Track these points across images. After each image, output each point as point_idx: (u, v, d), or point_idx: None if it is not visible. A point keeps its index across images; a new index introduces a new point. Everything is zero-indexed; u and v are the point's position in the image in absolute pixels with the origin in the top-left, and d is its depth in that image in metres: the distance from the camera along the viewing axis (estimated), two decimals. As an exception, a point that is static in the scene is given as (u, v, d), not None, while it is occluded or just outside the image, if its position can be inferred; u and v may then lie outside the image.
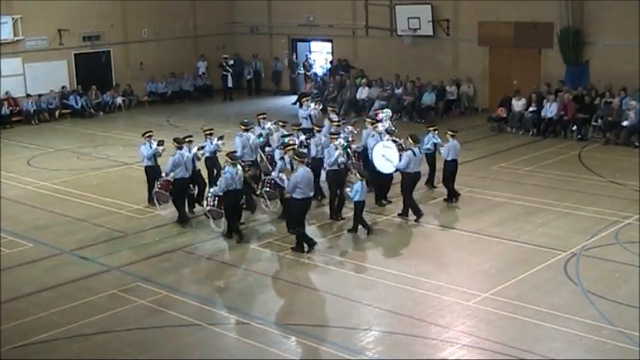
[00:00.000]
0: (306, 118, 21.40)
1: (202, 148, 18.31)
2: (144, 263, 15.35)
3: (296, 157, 15.87)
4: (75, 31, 32.06)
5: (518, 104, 26.51)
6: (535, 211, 17.76)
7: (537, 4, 27.53)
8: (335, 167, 17.37)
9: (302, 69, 35.37)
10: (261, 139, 19.22)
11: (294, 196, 15.48)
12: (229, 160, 16.15)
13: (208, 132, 18.94)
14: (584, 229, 16.38)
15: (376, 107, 26.33)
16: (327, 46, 35.22)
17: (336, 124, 19.23)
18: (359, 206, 16.54)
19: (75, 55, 32.36)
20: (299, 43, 36.30)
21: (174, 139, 17.70)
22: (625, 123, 23.94)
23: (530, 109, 26.16)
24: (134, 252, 15.96)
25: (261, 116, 20.23)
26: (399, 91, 29.85)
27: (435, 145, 19.11)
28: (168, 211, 17.92)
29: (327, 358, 11.35)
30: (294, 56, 36.13)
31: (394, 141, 18.30)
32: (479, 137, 25.84)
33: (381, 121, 19.09)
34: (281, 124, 19.65)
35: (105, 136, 27.38)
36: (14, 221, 18.08)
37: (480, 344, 11.51)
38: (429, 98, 29.09)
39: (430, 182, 19.68)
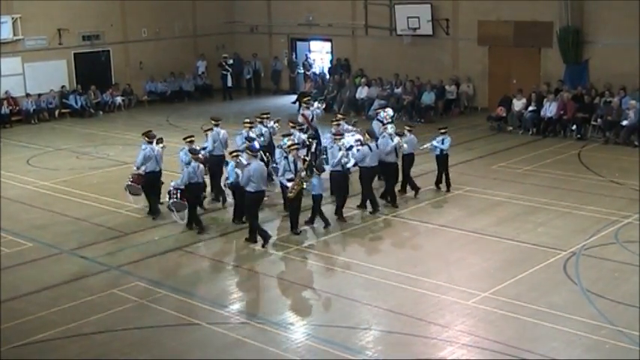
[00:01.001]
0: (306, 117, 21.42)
1: (204, 149, 18.40)
2: (143, 263, 15.35)
3: (249, 152, 16.21)
4: (74, 31, 32.06)
5: (518, 104, 26.51)
6: (534, 210, 17.77)
7: (537, 4, 27.53)
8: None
9: (302, 68, 35.41)
10: (262, 139, 19.28)
11: (247, 189, 15.88)
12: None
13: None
14: (584, 228, 16.38)
15: (376, 107, 26.34)
16: (327, 45, 35.23)
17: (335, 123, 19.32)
18: (317, 200, 17.00)
19: (74, 54, 32.37)
20: (298, 43, 36.31)
21: (145, 134, 18.12)
22: (624, 122, 23.94)
23: (530, 108, 26.15)
24: (133, 251, 15.96)
25: (265, 116, 20.35)
26: (398, 90, 29.85)
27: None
28: (141, 205, 18.35)
29: (326, 357, 11.35)
30: (294, 56, 36.14)
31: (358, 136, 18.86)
32: (478, 137, 25.85)
33: (391, 122, 19.20)
34: (291, 124, 19.85)
35: (104, 136, 27.38)
36: (14, 220, 18.08)
37: (480, 343, 11.51)
38: (428, 98, 29.09)
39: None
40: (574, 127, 25.14)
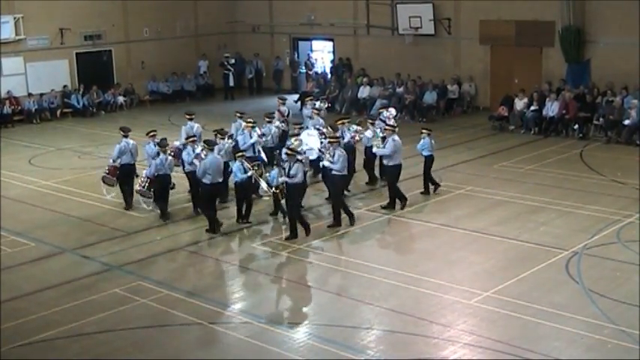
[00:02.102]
0: (310, 117, 21.45)
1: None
2: (145, 262, 15.36)
3: (206, 145, 16.82)
4: (76, 31, 32.07)
5: (520, 103, 26.50)
6: (536, 210, 17.76)
7: (539, 3, 27.52)
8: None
9: (303, 68, 35.42)
10: (265, 139, 19.33)
11: (203, 181, 16.51)
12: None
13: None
14: (586, 227, 16.37)
15: (379, 106, 26.35)
16: (329, 45, 35.24)
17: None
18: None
19: (76, 54, 32.39)
20: (300, 42, 36.30)
21: (121, 128, 19.05)
22: (626, 122, 23.92)
23: (532, 107, 26.13)
24: (136, 251, 15.97)
25: (271, 115, 20.50)
26: (400, 90, 29.84)
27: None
28: (112, 195, 19.01)
29: (328, 356, 11.35)
30: (296, 55, 36.15)
31: (317, 129, 19.28)
32: (480, 136, 25.84)
33: (396, 126, 19.31)
34: (267, 119, 20.31)
35: (106, 136, 27.34)
36: (16, 220, 18.09)
37: (482, 343, 11.51)
38: (430, 97, 29.09)
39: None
40: (576, 126, 25.11)
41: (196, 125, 20.04)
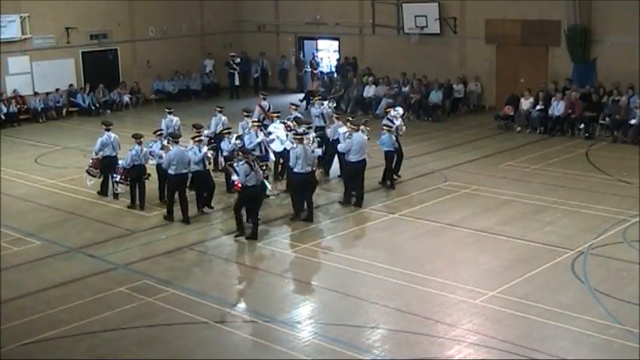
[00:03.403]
0: (318, 117, 21.50)
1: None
2: (151, 261, 15.38)
3: (171, 138, 17.72)
4: (82, 30, 32.14)
5: (526, 102, 26.46)
6: (542, 209, 17.74)
7: (545, 2, 27.48)
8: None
9: (309, 67, 35.42)
10: (270, 137, 19.35)
11: (168, 172, 17.34)
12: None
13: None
14: (592, 227, 16.35)
15: (384, 105, 26.40)
16: (334, 44, 35.24)
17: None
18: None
19: (82, 53, 32.45)
20: (306, 41, 36.32)
21: (103, 122, 20.34)
22: (633, 121, 23.89)
23: (538, 107, 26.10)
24: (141, 250, 16.00)
25: (275, 114, 20.49)
26: (405, 89, 29.85)
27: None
28: (93, 183, 19.84)
29: (333, 356, 11.35)
30: (301, 54, 36.16)
31: (284, 122, 19.82)
32: (486, 135, 25.82)
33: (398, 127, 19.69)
34: (245, 113, 20.63)
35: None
36: (22, 219, 18.14)
37: (487, 342, 11.50)
38: (435, 96, 29.07)
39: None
40: (582, 125, 25.05)
41: (175, 119, 21.37)
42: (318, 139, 19.33)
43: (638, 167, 20.60)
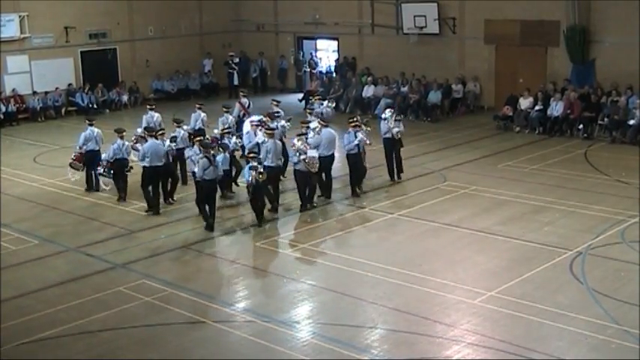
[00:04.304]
0: (321, 114, 21.56)
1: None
2: (150, 260, 15.39)
3: (146, 132, 18.82)
4: (81, 29, 32.16)
5: (524, 102, 26.46)
6: (540, 209, 17.75)
7: (544, 3, 27.49)
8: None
9: (308, 67, 35.43)
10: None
11: (143, 164, 18.07)
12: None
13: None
14: (590, 227, 16.36)
15: (383, 105, 26.43)
16: (333, 44, 35.24)
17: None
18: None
19: (81, 52, 32.47)
20: (305, 41, 36.32)
21: (86, 118, 21.69)
22: (631, 122, 23.91)
23: (537, 107, 26.11)
24: (140, 249, 16.01)
25: (276, 114, 20.62)
26: (404, 89, 29.86)
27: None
28: (77, 178, 20.49)
29: (332, 355, 11.36)
30: (300, 54, 36.16)
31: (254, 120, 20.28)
32: (484, 136, 25.83)
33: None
34: (224, 109, 21.83)
35: (111, 134, 27.03)
36: (20, 218, 18.15)
37: (485, 342, 11.52)
38: (434, 96, 29.07)
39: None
40: (580, 126, 25.06)
41: (156, 115, 22.18)
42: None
43: (638, 167, 20.62)
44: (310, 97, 26.89)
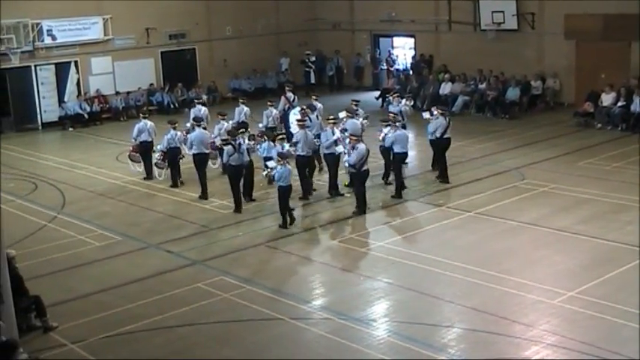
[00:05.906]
0: (396, 114, 21.46)
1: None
2: (227, 257, 15.58)
3: (194, 123, 20.49)
4: (161, 30, 32.79)
5: (607, 98, 25.84)
6: (622, 208, 17.31)
7: (626, -4, 26.79)
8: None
9: (384, 64, 35.34)
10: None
11: (191, 151, 19.69)
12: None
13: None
14: (675, 227, 15.90)
15: (461, 103, 26.18)
16: (410, 41, 35.07)
17: None
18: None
19: (161, 53, 33.12)
20: (381, 39, 36.25)
21: (140, 112, 24.51)
22: None
23: (619, 103, 25.47)
24: (218, 246, 16.23)
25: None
26: (482, 86, 29.52)
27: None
28: (140, 169, 21.93)
29: (408, 354, 11.31)
30: (377, 52, 36.09)
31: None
32: (564, 133, 25.32)
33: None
34: (220, 116, 22.16)
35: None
36: (103, 215, 18.64)
37: (565, 344, 11.30)
38: (513, 93, 28.65)
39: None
40: (665, 122, 24.37)
41: (203, 109, 24.05)
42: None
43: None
44: (387, 95, 26.80)
